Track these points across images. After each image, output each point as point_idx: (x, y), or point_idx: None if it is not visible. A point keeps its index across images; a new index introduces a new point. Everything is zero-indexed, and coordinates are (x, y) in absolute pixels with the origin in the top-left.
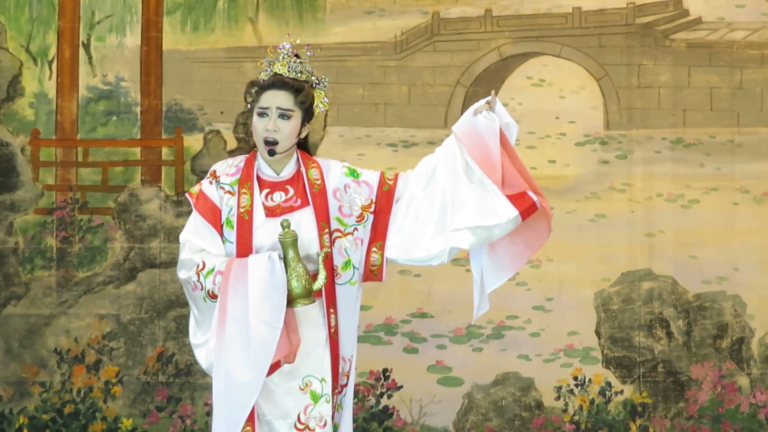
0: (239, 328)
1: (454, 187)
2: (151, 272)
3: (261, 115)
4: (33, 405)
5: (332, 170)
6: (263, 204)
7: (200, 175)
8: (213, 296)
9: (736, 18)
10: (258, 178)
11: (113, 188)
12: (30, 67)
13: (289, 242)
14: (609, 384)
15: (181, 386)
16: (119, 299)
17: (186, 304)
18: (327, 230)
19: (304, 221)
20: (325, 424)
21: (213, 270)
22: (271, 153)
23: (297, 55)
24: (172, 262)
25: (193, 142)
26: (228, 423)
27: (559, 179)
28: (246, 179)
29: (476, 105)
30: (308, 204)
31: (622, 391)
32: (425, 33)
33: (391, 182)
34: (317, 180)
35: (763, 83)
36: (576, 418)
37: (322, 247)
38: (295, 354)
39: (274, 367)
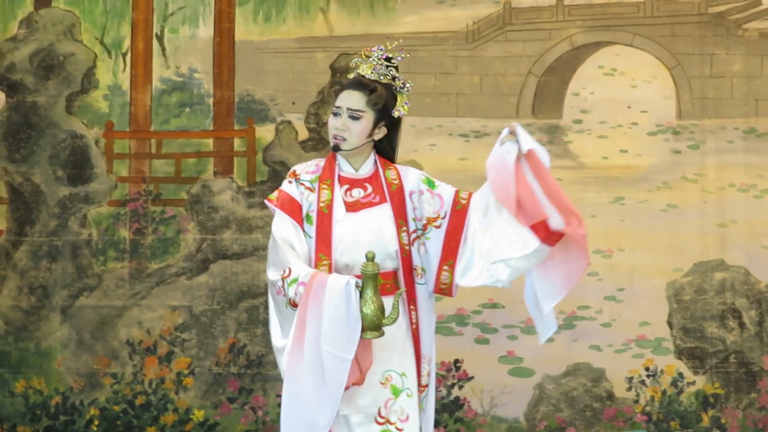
0: (315, 355)
1: (492, 220)
2: (223, 263)
3: (334, 114)
4: (104, 396)
5: (410, 174)
6: (343, 199)
7: (272, 165)
8: (294, 305)
9: None
10: (338, 175)
11: (186, 180)
12: (104, 59)
13: (369, 275)
14: (681, 375)
15: (253, 377)
16: (191, 290)
17: (257, 295)
18: (405, 228)
19: (382, 216)
20: (407, 418)
21: (297, 280)
22: (336, 148)
23: (388, 59)
24: (244, 253)
25: (265, 132)
26: None
27: (631, 169)
28: (326, 176)
29: (501, 135)
30: (386, 201)
31: (694, 382)
32: (497, 23)
33: (464, 202)
34: (395, 180)
35: None
36: (647, 408)
37: (401, 246)
38: (364, 378)
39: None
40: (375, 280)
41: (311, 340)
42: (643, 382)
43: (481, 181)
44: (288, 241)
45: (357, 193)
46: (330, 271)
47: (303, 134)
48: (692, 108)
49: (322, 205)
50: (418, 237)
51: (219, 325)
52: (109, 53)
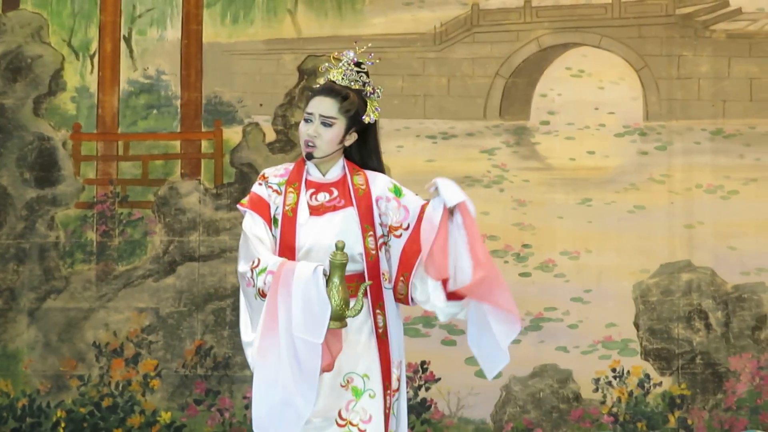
0: (288, 341)
1: None
2: (190, 265)
3: (306, 120)
4: (71, 398)
5: (378, 180)
6: (308, 203)
7: (239, 167)
8: (263, 295)
9: None
10: (305, 179)
11: (153, 182)
12: (72, 61)
13: (337, 264)
14: (647, 376)
15: (220, 379)
16: (158, 293)
17: (224, 297)
18: (372, 233)
19: (346, 220)
20: (369, 419)
21: (265, 269)
22: (309, 156)
23: (358, 64)
24: (211, 255)
25: (232, 134)
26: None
27: (598, 170)
28: (294, 180)
29: (430, 190)
30: (352, 205)
31: (660, 383)
32: (464, 24)
33: None
34: (362, 185)
35: None
36: (614, 410)
37: (366, 249)
38: (333, 364)
39: None
40: (342, 270)
41: (284, 327)
42: (609, 383)
43: None
44: (258, 236)
45: (322, 197)
46: None
47: (270, 136)
48: (660, 109)
49: (287, 208)
50: (385, 243)
51: (186, 327)
52: (76, 55)
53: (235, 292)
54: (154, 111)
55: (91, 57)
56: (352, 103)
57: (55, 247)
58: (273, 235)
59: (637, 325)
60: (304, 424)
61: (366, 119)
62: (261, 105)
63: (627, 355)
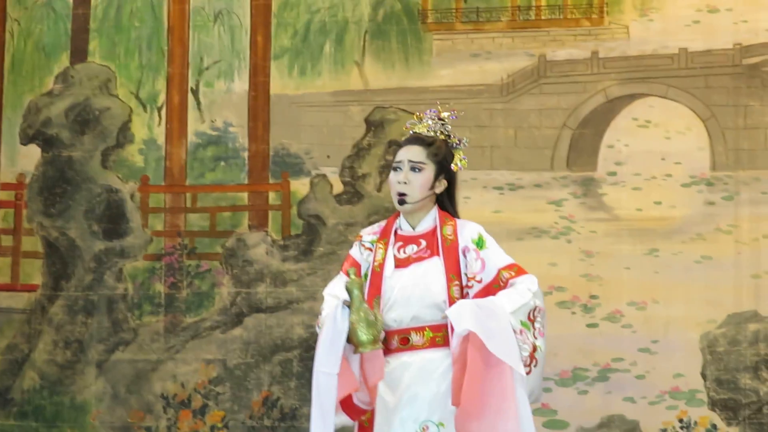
0: (315, 382)
1: None
2: (257, 317)
3: (395, 169)
4: None
5: (466, 230)
6: (395, 256)
7: (307, 219)
8: None
9: None
10: (396, 234)
11: (221, 233)
12: (139, 113)
13: (349, 288)
14: (714, 426)
15: (287, 430)
16: (226, 344)
17: (291, 348)
18: (458, 283)
19: (430, 270)
20: None
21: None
22: (401, 202)
23: (441, 118)
24: (278, 307)
25: (300, 186)
26: None
27: (665, 221)
28: (384, 236)
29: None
30: (437, 255)
31: None
32: (531, 75)
33: (502, 284)
34: (450, 236)
35: None
36: None
37: (450, 298)
38: (368, 389)
39: (352, 409)
40: (359, 291)
41: (314, 367)
42: None
43: (515, 235)
44: (332, 293)
45: (410, 250)
46: None
47: (338, 188)
48: (726, 159)
49: (375, 264)
50: (469, 291)
51: (253, 378)
52: (144, 107)
53: (301, 343)
54: (222, 163)
55: (159, 109)
56: (440, 148)
57: (124, 299)
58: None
59: (704, 376)
60: None
61: (454, 167)
62: (328, 156)
63: (694, 406)
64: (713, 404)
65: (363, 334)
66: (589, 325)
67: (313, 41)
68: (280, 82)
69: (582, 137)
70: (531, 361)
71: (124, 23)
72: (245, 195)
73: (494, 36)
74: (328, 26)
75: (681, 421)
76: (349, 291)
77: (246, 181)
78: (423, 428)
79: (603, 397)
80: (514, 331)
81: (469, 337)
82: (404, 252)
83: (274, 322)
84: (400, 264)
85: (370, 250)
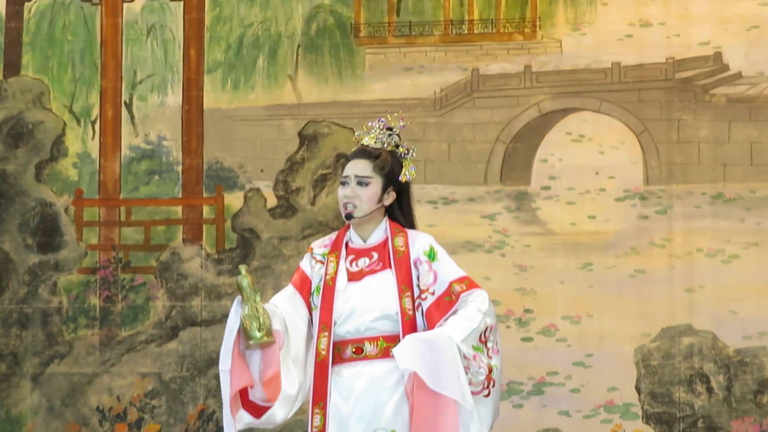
0: None
1: None
2: (192, 330)
3: (342, 183)
4: None
5: (417, 241)
6: (347, 269)
7: (241, 233)
8: None
9: None
10: (347, 246)
11: (155, 247)
12: (73, 127)
13: (240, 283)
14: None
15: None
16: (161, 357)
17: None
18: (409, 294)
19: (383, 282)
20: None
21: None
22: (348, 217)
23: (389, 128)
24: (213, 320)
25: (234, 200)
26: None
27: (598, 235)
28: (335, 248)
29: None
30: (389, 267)
31: None
32: (465, 89)
33: (453, 297)
34: (401, 247)
35: None
36: None
37: (402, 309)
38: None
39: (251, 406)
40: (248, 286)
41: None
42: None
43: (449, 249)
44: (273, 302)
45: (362, 263)
46: (329, 343)
47: (272, 201)
48: (660, 173)
49: (327, 277)
50: (421, 303)
51: (188, 391)
52: (78, 121)
53: None
54: (156, 177)
55: (93, 123)
56: (385, 161)
57: (58, 313)
58: (315, 305)
59: (638, 389)
60: None
61: (403, 178)
62: (262, 170)
63: (629, 419)
64: (648, 418)
65: (253, 329)
66: (523, 339)
67: (246, 55)
68: (213, 96)
69: (515, 151)
70: (488, 383)
71: (57, 37)
72: (179, 209)
73: (427, 50)
74: (261, 40)
75: None
76: (239, 286)
77: (180, 195)
78: None
79: (538, 410)
80: (466, 358)
81: (412, 376)
82: (356, 265)
83: (209, 335)
84: (353, 277)
85: (322, 263)
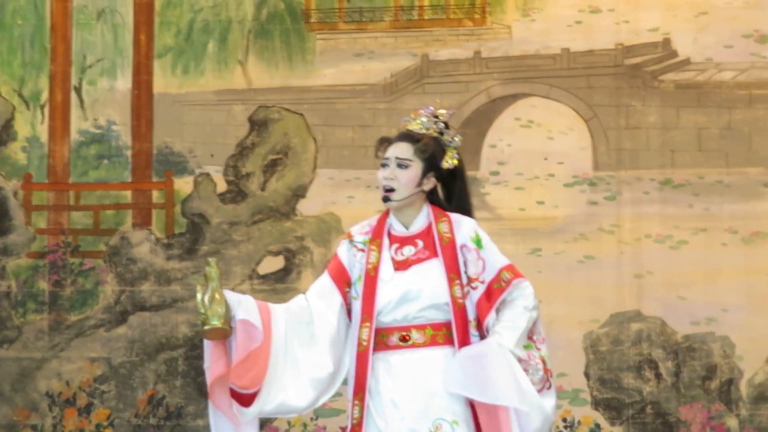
0: None
1: None
2: (141, 315)
3: (383, 165)
4: None
5: (462, 227)
6: (392, 258)
7: (190, 217)
8: None
9: (724, 59)
10: (389, 234)
11: (104, 231)
12: (22, 111)
13: (207, 274)
14: (598, 425)
15: (172, 429)
16: (110, 342)
17: (176, 347)
18: (458, 282)
19: (431, 272)
20: None
21: None
22: (386, 200)
23: (436, 116)
24: (162, 305)
25: (184, 185)
26: None
27: (547, 220)
28: (376, 236)
29: None
30: (437, 256)
31: None
32: (415, 75)
33: (504, 284)
34: (446, 233)
35: (751, 123)
36: None
37: (453, 298)
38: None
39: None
40: (215, 277)
41: None
42: None
43: None
44: (306, 293)
45: (408, 251)
46: (370, 334)
47: (222, 186)
48: (609, 159)
49: (369, 267)
50: (471, 291)
51: (138, 376)
52: (27, 105)
53: (186, 342)
54: (105, 161)
55: (42, 107)
56: (426, 145)
57: (7, 297)
58: (355, 295)
59: (587, 375)
60: None
61: (445, 165)
62: (212, 155)
63: (577, 405)
64: (596, 404)
65: (212, 316)
66: None
67: (197, 40)
68: (163, 81)
69: (465, 137)
70: (547, 375)
71: (6, 21)
72: (129, 193)
73: (377, 36)
74: (212, 25)
75: (564, 420)
76: (207, 276)
77: (129, 180)
78: (436, 426)
79: None
80: (522, 360)
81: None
82: (402, 254)
83: (159, 320)
84: (399, 266)
85: (363, 251)
